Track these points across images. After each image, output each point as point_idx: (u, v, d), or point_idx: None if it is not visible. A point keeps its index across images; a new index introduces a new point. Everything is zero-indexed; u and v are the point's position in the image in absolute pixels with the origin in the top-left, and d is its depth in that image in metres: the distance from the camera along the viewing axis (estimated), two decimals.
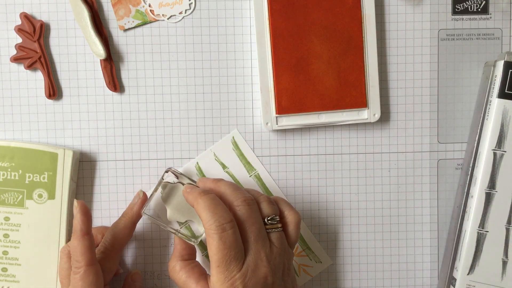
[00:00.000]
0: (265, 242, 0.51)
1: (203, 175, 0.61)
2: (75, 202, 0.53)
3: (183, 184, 0.57)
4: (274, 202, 0.54)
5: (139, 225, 0.61)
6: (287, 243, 0.53)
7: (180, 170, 0.61)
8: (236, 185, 0.54)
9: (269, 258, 0.50)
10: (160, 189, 0.57)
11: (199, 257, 0.60)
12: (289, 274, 0.53)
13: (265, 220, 0.52)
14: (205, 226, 0.50)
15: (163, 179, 0.57)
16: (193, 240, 0.55)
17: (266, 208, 0.53)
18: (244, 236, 0.50)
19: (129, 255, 0.62)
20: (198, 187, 0.55)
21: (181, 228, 0.59)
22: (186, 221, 0.58)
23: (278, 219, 0.53)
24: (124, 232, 0.57)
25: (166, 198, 0.57)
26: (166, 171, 0.57)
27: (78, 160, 0.60)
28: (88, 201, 0.61)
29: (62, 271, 0.56)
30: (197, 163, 0.61)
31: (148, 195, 0.58)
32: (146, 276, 0.62)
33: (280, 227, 0.52)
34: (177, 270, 0.54)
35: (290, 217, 0.53)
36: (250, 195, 0.53)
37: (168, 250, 0.61)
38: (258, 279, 0.49)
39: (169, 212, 0.57)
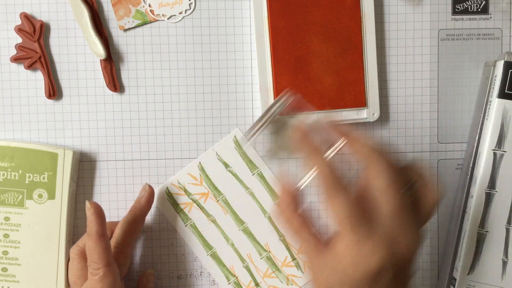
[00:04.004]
0: (408, 214, 0.44)
1: (206, 175, 0.61)
2: (88, 204, 0.53)
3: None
4: (409, 168, 0.49)
5: None
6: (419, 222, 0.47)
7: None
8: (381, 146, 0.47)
9: (411, 232, 0.44)
10: (270, 119, 0.52)
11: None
12: (417, 254, 0.46)
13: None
14: (326, 186, 0.44)
15: (274, 107, 0.51)
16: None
17: (403, 173, 0.47)
18: (387, 204, 0.44)
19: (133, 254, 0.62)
20: (309, 142, 0.48)
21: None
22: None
23: (415, 189, 0.47)
24: (134, 226, 0.58)
25: (274, 131, 0.52)
26: (281, 97, 0.51)
27: (78, 160, 0.60)
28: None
29: (76, 271, 0.56)
30: (200, 162, 0.61)
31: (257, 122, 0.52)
32: None
33: (414, 199, 0.47)
34: (293, 215, 0.47)
35: (429, 195, 0.47)
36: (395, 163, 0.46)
37: (168, 250, 0.61)
38: (399, 250, 0.43)
39: (272, 146, 0.53)
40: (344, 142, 0.48)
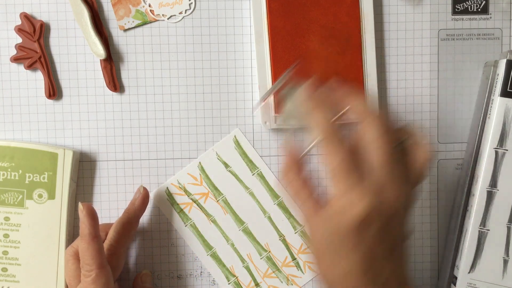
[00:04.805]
0: (397, 165, 0.45)
1: (206, 175, 0.61)
2: (80, 205, 0.53)
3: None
4: (402, 129, 0.50)
5: (138, 225, 0.61)
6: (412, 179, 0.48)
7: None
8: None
9: (401, 183, 0.45)
10: (279, 84, 0.54)
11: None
12: (409, 213, 0.47)
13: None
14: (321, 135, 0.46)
15: (286, 74, 0.54)
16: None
17: (396, 131, 0.49)
18: (377, 153, 0.45)
19: (129, 255, 0.61)
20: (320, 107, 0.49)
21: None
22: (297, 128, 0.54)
23: (404, 146, 0.48)
24: (128, 228, 0.58)
25: (285, 97, 0.54)
26: (297, 63, 0.54)
27: (78, 160, 0.60)
28: (88, 201, 0.61)
29: (69, 272, 0.56)
30: (200, 162, 0.61)
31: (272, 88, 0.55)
32: None
33: (404, 156, 0.48)
34: (294, 172, 0.48)
35: (421, 154, 0.48)
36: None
37: (168, 250, 0.61)
38: (388, 199, 0.44)
39: (283, 112, 0.54)
40: (347, 107, 0.49)
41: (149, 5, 0.59)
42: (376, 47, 0.60)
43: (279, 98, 0.53)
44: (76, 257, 0.56)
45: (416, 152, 0.48)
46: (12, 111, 0.60)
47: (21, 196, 0.58)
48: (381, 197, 0.44)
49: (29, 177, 0.58)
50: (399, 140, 0.48)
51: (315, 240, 0.46)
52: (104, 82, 0.60)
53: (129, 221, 0.58)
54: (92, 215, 0.53)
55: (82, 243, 0.52)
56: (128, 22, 0.59)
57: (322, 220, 0.45)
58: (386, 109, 0.50)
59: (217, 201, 0.61)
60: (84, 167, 0.61)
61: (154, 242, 0.61)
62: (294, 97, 0.52)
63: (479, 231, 0.57)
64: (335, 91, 0.50)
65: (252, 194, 0.61)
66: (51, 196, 0.58)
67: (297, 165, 0.49)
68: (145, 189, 0.59)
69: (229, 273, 0.62)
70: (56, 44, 0.60)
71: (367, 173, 0.45)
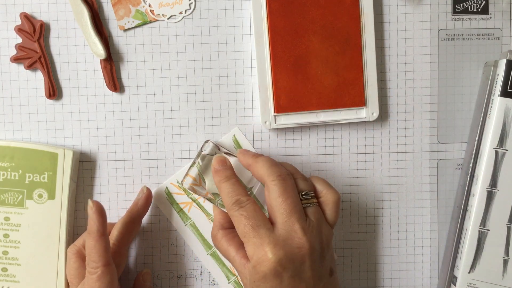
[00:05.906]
0: (301, 215, 0.50)
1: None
2: (90, 202, 0.53)
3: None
4: (310, 180, 0.55)
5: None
6: (325, 220, 0.53)
7: (219, 141, 0.61)
8: (274, 161, 0.54)
9: (305, 230, 0.50)
10: (198, 160, 0.58)
11: None
12: (328, 251, 0.52)
13: (300, 195, 0.52)
14: (226, 207, 0.52)
15: (202, 150, 0.57)
16: None
17: (301, 183, 0.53)
18: (279, 210, 0.50)
19: (129, 255, 0.61)
20: (228, 164, 0.56)
21: (218, 200, 0.58)
22: None
23: (312, 194, 0.53)
24: (130, 227, 0.58)
25: (204, 170, 0.58)
26: (206, 141, 0.58)
27: (78, 160, 0.60)
28: None
29: (71, 270, 0.56)
30: (199, 162, 0.61)
31: (188, 167, 0.59)
32: None
33: (315, 202, 0.53)
34: (218, 238, 0.54)
35: (328, 196, 0.53)
36: (287, 170, 0.53)
37: (168, 250, 0.61)
38: (292, 249, 0.49)
39: (208, 184, 0.57)
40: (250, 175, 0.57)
41: (149, 5, 0.59)
42: (376, 47, 0.60)
43: (198, 171, 0.58)
44: (78, 255, 0.56)
45: (327, 196, 0.53)
46: (12, 111, 0.60)
47: (21, 196, 0.58)
48: (287, 247, 0.49)
49: (29, 177, 0.58)
50: (307, 190, 0.53)
51: (247, 286, 0.52)
52: (104, 82, 0.60)
53: (132, 221, 0.58)
54: (101, 212, 0.53)
55: (89, 240, 0.53)
56: (128, 22, 0.59)
57: (248, 272, 0.51)
58: (290, 167, 0.55)
59: (217, 200, 0.61)
60: (84, 167, 0.61)
61: (154, 242, 0.61)
62: (210, 169, 0.58)
63: (479, 231, 0.57)
64: (241, 159, 0.56)
65: (251, 193, 0.61)
66: (51, 196, 0.58)
67: (222, 226, 0.56)
68: (148, 189, 0.59)
69: (229, 272, 0.62)
70: (56, 44, 0.60)
71: (274, 226, 0.50)
